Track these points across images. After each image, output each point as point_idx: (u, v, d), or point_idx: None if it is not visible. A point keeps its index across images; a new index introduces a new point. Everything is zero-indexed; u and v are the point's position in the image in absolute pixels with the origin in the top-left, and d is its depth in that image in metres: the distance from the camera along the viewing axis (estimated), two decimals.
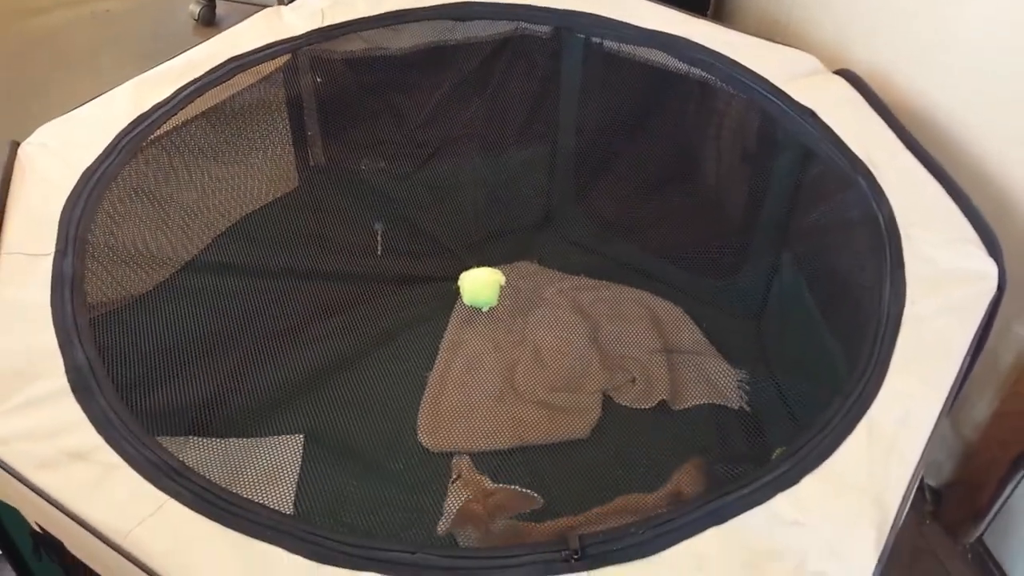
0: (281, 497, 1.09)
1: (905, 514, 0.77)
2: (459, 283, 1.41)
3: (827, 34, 1.42)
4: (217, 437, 1.16)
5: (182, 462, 0.79)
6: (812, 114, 1.17)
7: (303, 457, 1.17)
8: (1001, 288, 0.95)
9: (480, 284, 1.41)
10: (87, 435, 0.80)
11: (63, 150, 1.08)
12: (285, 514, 0.76)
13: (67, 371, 0.85)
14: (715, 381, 1.32)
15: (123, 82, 1.18)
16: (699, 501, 0.76)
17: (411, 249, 1.48)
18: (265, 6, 1.37)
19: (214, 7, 2.34)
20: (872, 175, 1.07)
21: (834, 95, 1.20)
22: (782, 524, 0.75)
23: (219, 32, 1.27)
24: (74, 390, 0.84)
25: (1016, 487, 1.16)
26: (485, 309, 1.41)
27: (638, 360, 1.34)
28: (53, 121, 1.11)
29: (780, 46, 1.29)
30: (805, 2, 1.48)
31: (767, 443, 1.21)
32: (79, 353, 0.87)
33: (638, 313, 1.43)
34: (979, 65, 1.13)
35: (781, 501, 0.76)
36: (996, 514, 1.21)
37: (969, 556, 1.26)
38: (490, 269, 1.42)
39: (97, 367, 0.86)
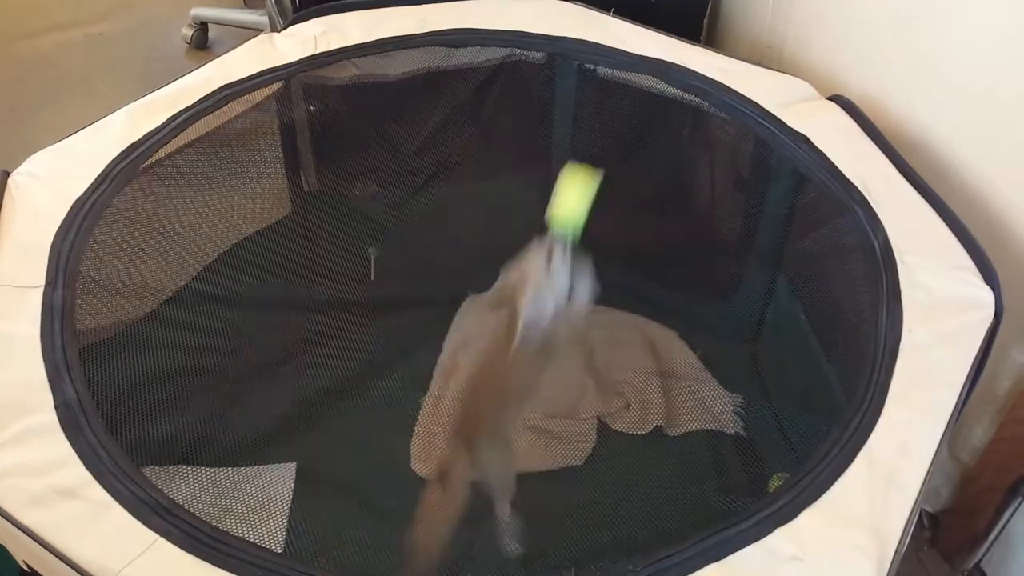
0: (272, 531, 1.08)
1: (906, 547, 0.76)
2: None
3: (820, 60, 1.42)
4: (208, 466, 1.15)
5: (172, 499, 0.78)
6: (806, 140, 1.16)
7: (295, 488, 1.16)
8: (998, 316, 0.94)
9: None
10: (76, 472, 0.79)
11: (54, 180, 1.07)
12: (276, 553, 0.76)
13: (56, 406, 0.84)
14: (711, 406, 1.31)
15: (116, 106, 1.17)
16: (697, 537, 0.76)
17: (404, 276, 1.47)
18: (258, 30, 1.37)
19: (207, 31, 2.35)
20: (867, 201, 1.07)
21: (828, 121, 1.20)
22: (781, 560, 0.74)
23: (212, 55, 1.27)
24: (63, 425, 0.83)
25: (1014, 513, 1.15)
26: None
27: (633, 385, 1.34)
28: (43, 150, 1.10)
29: (773, 72, 1.29)
30: (797, 28, 1.48)
31: (764, 470, 1.21)
32: (68, 387, 0.86)
33: (633, 338, 1.42)
34: (971, 90, 1.13)
35: (780, 536, 0.75)
36: (994, 540, 1.20)
37: None
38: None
39: (86, 401, 0.85)
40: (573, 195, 1.01)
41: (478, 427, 1.00)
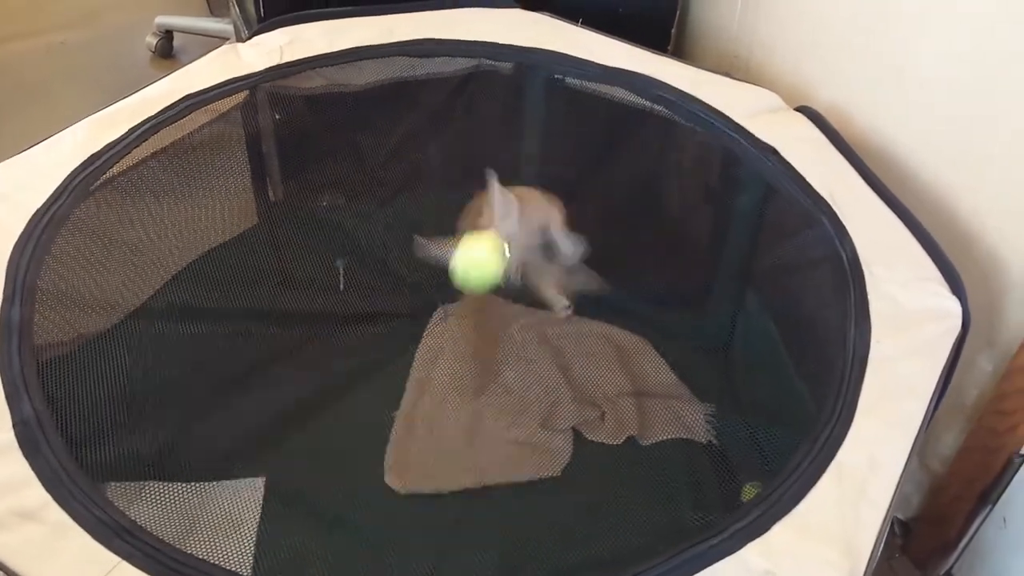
0: (240, 550, 1.06)
1: (877, 560, 0.76)
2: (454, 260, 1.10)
3: (787, 70, 1.43)
4: (173, 482, 1.13)
5: (134, 521, 0.76)
6: (774, 151, 1.17)
7: (264, 506, 1.14)
8: (965, 326, 0.95)
9: (475, 260, 1.09)
10: (35, 493, 0.78)
11: (11, 193, 1.05)
12: (243, 575, 0.74)
13: (14, 425, 0.82)
14: (682, 415, 1.31)
15: (77, 117, 1.15)
16: (670, 552, 0.75)
17: (374, 287, 1.45)
18: (223, 39, 1.35)
19: (171, 39, 2.32)
20: (835, 213, 1.07)
21: (795, 132, 1.20)
22: (753, 574, 0.74)
23: (177, 65, 1.25)
24: (21, 445, 0.81)
25: (983, 521, 1.16)
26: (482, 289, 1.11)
27: (606, 395, 1.33)
28: (2, 163, 1.08)
29: (741, 83, 1.30)
30: (764, 39, 1.49)
31: (737, 479, 1.20)
32: (27, 405, 0.84)
33: (604, 347, 1.42)
34: (938, 101, 1.14)
35: (752, 551, 0.75)
36: (965, 547, 1.20)
37: None
38: (491, 245, 1.09)
39: (45, 420, 0.83)
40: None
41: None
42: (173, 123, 1.18)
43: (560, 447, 1.27)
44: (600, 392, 1.34)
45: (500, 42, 1.36)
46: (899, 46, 1.19)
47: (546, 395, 1.34)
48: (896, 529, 1.31)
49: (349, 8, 1.37)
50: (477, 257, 1.09)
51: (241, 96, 1.26)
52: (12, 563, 0.72)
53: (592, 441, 1.28)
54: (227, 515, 1.11)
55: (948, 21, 1.10)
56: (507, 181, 1.14)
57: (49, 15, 2.44)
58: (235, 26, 1.79)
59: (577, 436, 1.28)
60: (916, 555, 1.28)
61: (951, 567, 1.24)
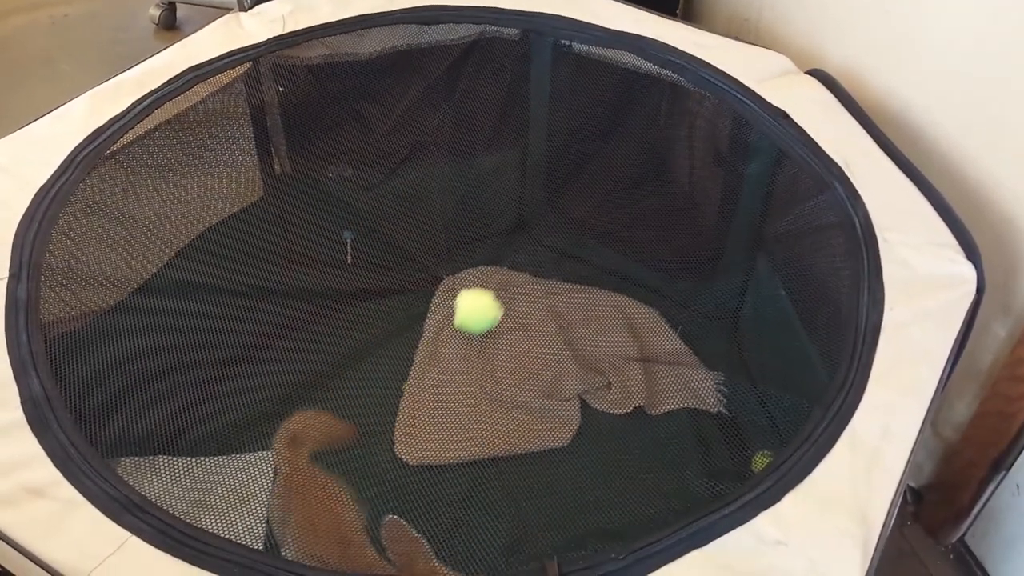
0: (251, 523, 1.06)
1: (890, 528, 0.76)
2: (456, 302, 1.35)
3: (798, 33, 1.40)
4: (182, 457, 1.13)
5: (143, 496, 0.76)
6: (785, 115, 1.15)
7: (274, 477, 1.14)
8: (980, 291, 0.94)
9: (476, 311, 1.34)
10: (44, 469, 0.78)
11: (15, 168, 1.04)
12: (253, 549, 0.74)
13: (23, 403, 0.82)
14: (692, 385, 1.30)
15: (82, 90, 1.14)
16: (681, 522, 0.75)
17: (381, 260, 1.44)
18: (226, 9, 1.34)
19: (175, 11, 2.30)
20: (847, 178, 1.06)
21: (806, 96, 1.18)
22: (765, 544, 0.73)
23: (180, 36, 1.24)
24: (30, 422, 0.81)
25: (997, 487, 1.16)
26: (473, 334, 1.36)
27: (613, 365, 1.33)
28: (4, 138, 1.08)
29: (751, 46, 1.28)
30: (774, 1, 1.46)
31: (747, 448, 1.20)
32: (35, 383, 0.84)
33: (613, 317, 1.41)
34: (952, 64, 1.12)
35: (763, 520, 0.75)
36: (977, 515, 1.20)
37: (951, 557, 1.25)
38: (490, 298, 1.35)
39: (54, 397, 0.83)
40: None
41: None
42: (177, 96, 1.17)
43: (569, 417, 1.26)
44: (607, 361, 1.33)
45: (505, 7, 1.34)
46: (912, 8, 1.16)
47: (553, 364, 1.33)
48: (908, 497, 1.30)
49: None
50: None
51: (244, 67, 1.25)
52: (23, 539, 0.72)
53: (599, 411, 1.27)
54: (237, 489, 1.11)
55: None
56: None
57: None
58: None
59: (585, 406, 1.28)
60: (928, 523, 1.28)
61: (964, 534, 1.24)
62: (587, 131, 1.41)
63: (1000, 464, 1.13)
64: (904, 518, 1.29)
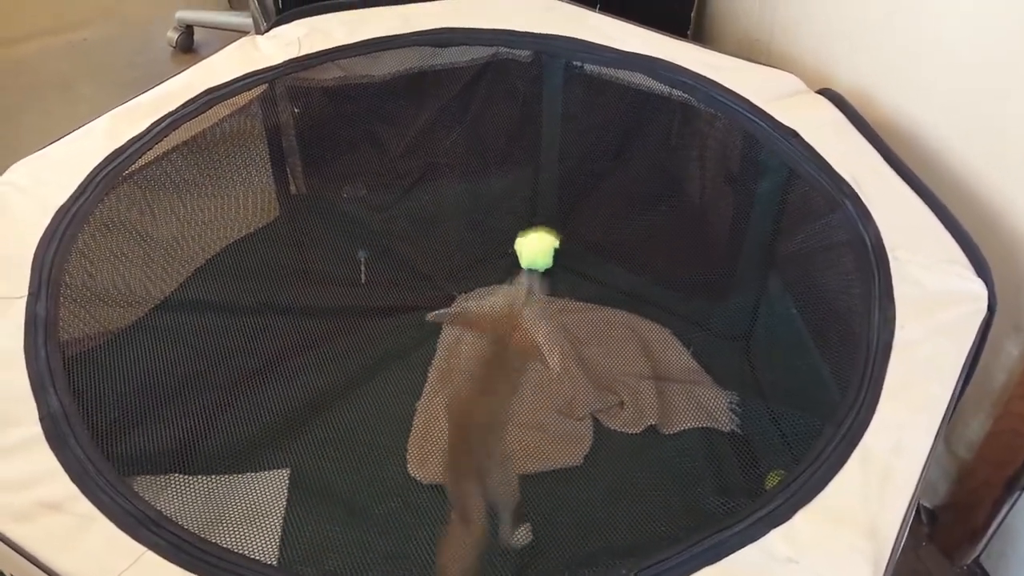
0: (266, 540, 1.07)
1: (902, 546, 0.76)
2: (516, 247, 1.47)
3: (808, 53, 1.41)
4: (198, 475, 1.14)
5: (159, 511, 0.77)
6: (796, 135, 1.16)
7: (288, 496, 1.14)
8: (991, 309, 0.94)
9: (537, 249, 1.46)
10: (62, 485, 0.78)
11: (35, 188, 1.06)
12: (267, 564, 0.74)
13: (41, 418, 0.83)
14: (705, 404, 1.30)
15: (100, 112, 1.16)
16: (692, 539, 0.75)
17: (394, 279, 1.45)
18: (243, 32, 1.36)
19: (192, 34, 2.33)
20: (858, 196, 1.06)
21: (817, 115, 1.19)
22: (776, 562, 0.73)
23: (197, 59, 1.26)
24: (48, 438, 0.82)
25: (1012, 507, 1.15)
26: (542, 271, 1.47)
27: (626, 383, 1.33)
28: (25, 159, 1.09)
29: (762, 66, 1.28)
30: (785, 22, 1.47)
31: (760, 467, 1.20)
32: (53, 399, 0.85)
33: (625, 336, 1.41)
34: (960, 82, 1.12)
35: (775, 537, 0.75)
36: (993, 535, 1.19)
37: None
38: (545, 232, 1.46)
39: (72, 413, 0.84)
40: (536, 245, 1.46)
41: (477, 455, 1.01)
42: (194, 117, 1.19)
43: (581, 436, 1.26)
44: (619, 380, 1.33)
45: (517, 29, 1.35)
46: (921, 27, 1.17)
47: (565, 383, 1.33)
48: (923, 517, 1.29)
49: None
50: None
51: (260, 89, 1.26)
52: (40, 553, 0.73)
53: (611, 430, 1.27)
54: (252, 506, 1.12)
55: (971, 1, 1.08)
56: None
57: (70, 13, 2.46)
58: (254, 18, 1.80)
59: (597, 425, 1.28)
60: (944, 543, 1.27)
61: (979, 554, 1.23)
62: (599, 151, 1.42)
63: (1015, 483, 1.12)
64: (919, 539, 1.28)
